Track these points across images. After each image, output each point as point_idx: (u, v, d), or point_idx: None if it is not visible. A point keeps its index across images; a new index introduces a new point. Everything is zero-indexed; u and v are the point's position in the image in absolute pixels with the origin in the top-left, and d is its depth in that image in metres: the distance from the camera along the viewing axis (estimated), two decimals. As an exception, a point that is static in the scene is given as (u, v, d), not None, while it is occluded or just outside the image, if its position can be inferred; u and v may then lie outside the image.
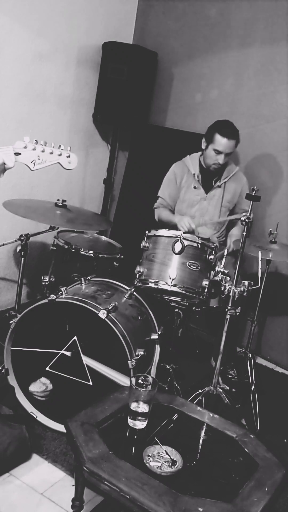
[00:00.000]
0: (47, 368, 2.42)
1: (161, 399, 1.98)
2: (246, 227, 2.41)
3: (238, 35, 3.59)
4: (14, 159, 1.77)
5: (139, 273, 2.53)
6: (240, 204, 3.20)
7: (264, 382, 3.17)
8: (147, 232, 2.60)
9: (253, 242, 2.91)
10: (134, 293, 2.64)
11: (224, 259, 2.49)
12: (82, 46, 3.69)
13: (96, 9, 3.72)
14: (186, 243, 2.48)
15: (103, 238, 3.30)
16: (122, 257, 2.95)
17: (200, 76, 3.80)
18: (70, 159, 1.92)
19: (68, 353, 2.38)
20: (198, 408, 2.01)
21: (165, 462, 1.64)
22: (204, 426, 1.92)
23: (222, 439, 1.86)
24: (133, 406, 1.78)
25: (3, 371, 2.50)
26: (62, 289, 2.45)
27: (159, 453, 1.67)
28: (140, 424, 1.79)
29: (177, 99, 3.94)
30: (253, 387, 2.87)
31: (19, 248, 2.76)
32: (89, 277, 2.70)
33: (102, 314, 2.27)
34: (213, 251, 2.54)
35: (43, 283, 2.89)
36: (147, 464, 1.62)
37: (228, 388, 2.87)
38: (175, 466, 1.63)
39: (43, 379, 2.43)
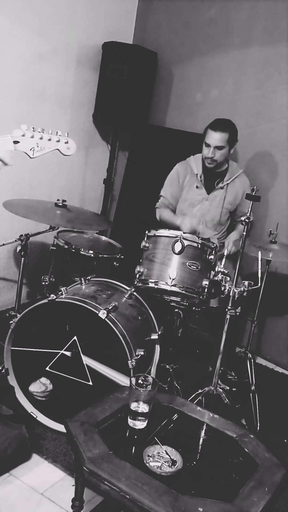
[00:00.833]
0: (47, 368, 2.42)
1: (161, 399, 1.98)
2: (246, 227, 2.41)
3: (238, 35, 3.59)
4: (13, 147, 1.76)
5: (139, 273, 2.52)
6: (241, 206, 3.20)
7: (264, 382, 3.17)
8: (147, 232, 2.60)
9: (253, 242, 2.91)
10: (134, 293, 2.64)
11: (224, 259, 2.49)
12: (82, 46, 3.70)
13: (96, 9, 3.72)
14: (186, 243, 2.48)
15: (103, 238, 3.30)
16: (122, 257, 2.95)
17: (200, 76, 3.80)
18: (68, 145, 1.90)
19: (68, 353, 2.38)
20: (198, 408, 2.01)
21: (165, 462, 1.64)
22: (204, 426, 1.92)
23: (222, 439, 1.86)
24: (133, 406, 1.78)
25: (3, 371, 2.50)
26: (62, 289, 2.45)
27: (159, 453, 1.67)
28: (140, 424, 1.79)
29: (177, 99, 3.94)
30: (253, 387, 2.87)
31: (19, 248, 2.76)
32: (89, 277, 2.70)
33: (102, 314, 2.27)
34: (213, 251, 2.53)
35: (43, 283, 2.89)
36: (147, 464, 1.62)
37: (228, 388, 2.87)
38: (175, 466, 1.63)
39: (43, 379, 2.42)
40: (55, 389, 2.42)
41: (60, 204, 2.70)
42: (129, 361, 2.25)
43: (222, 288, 2.43)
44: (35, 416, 2.45)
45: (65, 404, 2.39)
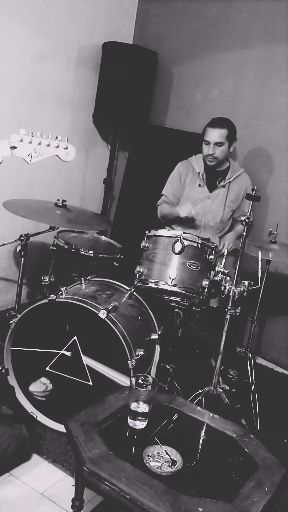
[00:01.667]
0: (47, 368, 2.42)
1: (161, 399, 1.98)
2: (246, 227, 2.41)
3: (238, 35, 3.59)
4: (10, 153, 1.73)
5: (139, 273, 2.52)
6: (241, 206, 3.20)
7: (264, 382, 3.17)
8: (147, 232, 2.60)
9: (253, 242, 2.91)
10: (134, 293, 2.64)
11: (224, 259, 2.49)
12: (82, 46, 3.70)
13: (96, 9, 3.72)
14: (186, 243, 2.48)
15: (103, 238, 3.30)
16: (122, 257, 2.95)
17: (200, 76, 3.80)
18: (67, 150, 1.86)
19: (68, 353, 2.38)
20: (198, 408, 2.01)
21: (165, 462, 1.64)
22: (204, 426, 1.92)
23: (222, 439, 1.86)
24: (133, 406, 1.78)
25: (3, 371, 2.50)
26: (62, 289, 2.45)
27: (159, 453, 1.67)
28: (140, 424, 1.79)
29: (177, 99, 3.94)
30: (253, 387, 2.87)
31: (19, 248, 2.76)
32: (89, 277, 2.70)
33: (102, 314, 2.27)
34: (213, 251, 2.54)
35: (43, 283, 2.89)
36: (147, 464, 1.62)
37: (228, 388, 2.87)
38: (175, 466, 1.63)
39: (43, 379, 2.42)
40: (55, 389, 2.42)
41: (60, 204, 2.70)
42: (129, 361, 2.25)
43: (222, 288, 2.43)
44: (35, 416, 2.45)
45: (65, 404, 2.39)
